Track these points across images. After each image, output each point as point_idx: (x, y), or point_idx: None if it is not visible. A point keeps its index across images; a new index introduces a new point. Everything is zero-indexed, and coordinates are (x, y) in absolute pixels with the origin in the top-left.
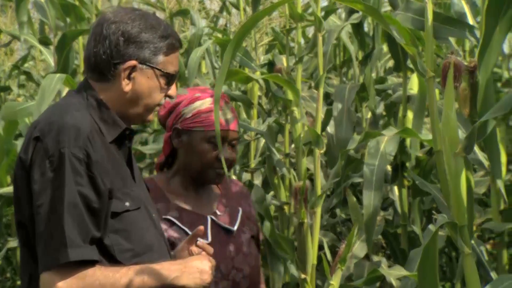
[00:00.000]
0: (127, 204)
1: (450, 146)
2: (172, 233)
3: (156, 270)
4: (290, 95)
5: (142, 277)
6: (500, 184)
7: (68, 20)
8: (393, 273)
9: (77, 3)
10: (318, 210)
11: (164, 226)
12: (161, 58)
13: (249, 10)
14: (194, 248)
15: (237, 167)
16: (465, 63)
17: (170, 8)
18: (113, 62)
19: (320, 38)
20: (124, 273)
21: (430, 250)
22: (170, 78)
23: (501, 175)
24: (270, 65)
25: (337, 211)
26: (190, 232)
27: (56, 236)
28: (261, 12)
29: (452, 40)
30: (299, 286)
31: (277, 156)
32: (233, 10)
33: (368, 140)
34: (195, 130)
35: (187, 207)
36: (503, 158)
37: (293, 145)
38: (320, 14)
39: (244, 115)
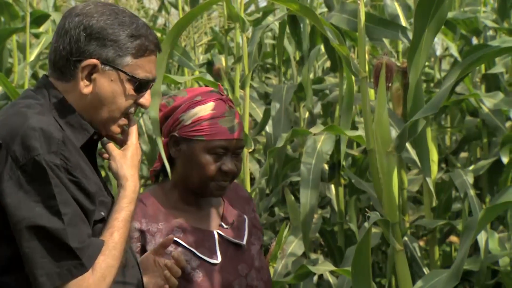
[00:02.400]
0: (102, 213)
1: (382, 145)
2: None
3: (123, 212)
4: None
5: (117, 228)
6: (429, 182)
7: (1, 18)
8: (321, 268)
9: (10, 1)
10: None
11: (169, 248)
12: (128, 60)
13: (187, 9)
14: (165, 261)
15: None
16: (398, 64)
17: None
18: (73, 59)
19: (244, 39)
20: (108, 236)
21: (363, 247)
22: (140, 85)
23: (430, 174)
24: (209, 65)
25: (276, 209)
26: (198, 253)
27: (59, 254)
28: (196, 9)
29: (386, 41)
30: None
31: None
32: (172, 10)
33: (300, 138)
34: (195, 139)
35: (190, 224)
36: (435, 157)
37: None
38: (259, 14)
39: None
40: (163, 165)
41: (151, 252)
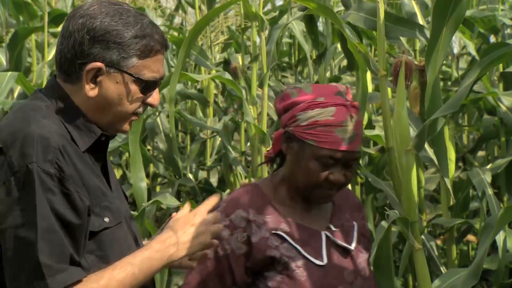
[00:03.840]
0: (106, 220)
1: (401, 143)
2: (284, 251)
3: (146, 256)
4: (248, 94)
5: (131, 271)
6: (447, 181)
7: (20, 17)
8: None
9: (29, 0)
10: None
11: (274, 242)
12: (134, 61)
13: (204, 8)
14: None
15: (193, 165)
16: (416, 63)
17: None
18: (77, 62)
19: (263, 37)
20: (109, 277)
21: (384, 245)
22: (146, 85)
23: (448, 172)
24: (226, 64)
25: None
26: (303, 252)
27: (28, 267)
28: (214, 10)
29: (403, 39)
30: None
31: (233, 154)
32: (189, 9)
33: None
34: (307, 142)
35: (297, 220)
36: (452, 155)
37: (249, 143)
38: (275, 12)
39: (200, 114)
40: (276, 154)
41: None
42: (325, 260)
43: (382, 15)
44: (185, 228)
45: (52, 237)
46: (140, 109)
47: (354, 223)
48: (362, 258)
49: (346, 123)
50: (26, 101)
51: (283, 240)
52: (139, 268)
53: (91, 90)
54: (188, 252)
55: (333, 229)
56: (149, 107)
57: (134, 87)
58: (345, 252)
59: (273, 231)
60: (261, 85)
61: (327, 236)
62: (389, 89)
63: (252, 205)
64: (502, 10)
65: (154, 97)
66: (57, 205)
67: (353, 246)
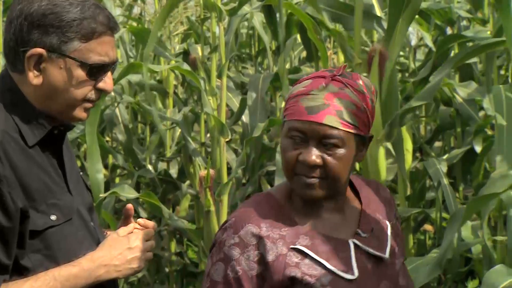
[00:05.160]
0: (53, 218)
1: (373, 133)
2: (306, 269)
3: (72, 274)
4: (206, 85)
5: (54, 286)
6: (403, 171)
7: None
8: None
9: None
10: (225, 198)
11: (294, 259)
12: (76, 45)
13: None
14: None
15: (153, 157)
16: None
17: None
18: (20, 50)
19: (221, 28)
20: (21, 282)
21: None
22: (93, 69)
23: (405, 163)
24: (186, 54)
25: None
26: (329, 266)
27: None
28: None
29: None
30: None
31: (193, 145)
32: None
33: (277, 128)
34: (284, 120)
35: (319, 230)
36: (409, 146)
37: (208, 134)
38: (235, 3)
39: (160, 105)
40: None
41: (119, 226)
42: (356, 273)
43: (357, 3)
44: (121, 251)
45: None
46: (93, 95)
47: (387, 223)
48: (398, 264)
49: (314, 92)
50: None
51: (304, 255)
52: (62, 284)
53: (35, 78)
54: (117, 275)
55: (363, 235)
56: (107, 96)
57: (79, 72)
58: (379, 260)
59: (291, 246)
60: (219, 76)
61: (356, 245)
62: None
63: (264, 217)
64: (458, 2)
65: (107, 82)
66: None
67: (387, 252)
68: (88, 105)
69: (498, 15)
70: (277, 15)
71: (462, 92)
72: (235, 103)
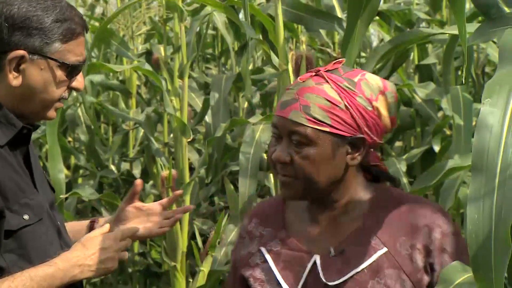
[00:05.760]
0: (25, 217)
1: None
2: (258, 273)
3: (48, 274)
4: (169, 85)
5: (30, 286)
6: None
7: None
8: None
9: None
10: (187, 198)
11: (257, 260)
12: (57, 46)
13: None
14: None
15: (116, 157)
16: (334, 55)
17: None
18: None
19: (183, 28)
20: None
21: None
22: (71, 69)
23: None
24: (148, 55)
25: (216, 199)
26: (278, 277)
27: None
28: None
29: (322, 32)
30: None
31: (156, 145)
32: None
33: (240, 128)
34: None
35: (296, 237)
36: None
37: (172, 135)
38: (198, 4)
39: (122, 105)
40: None
41: (124, 204)
42: None
43: (279, 9)
44: (94, 251)
45: None
46: (66, 95)
47: (384, 249)
48: None
49: (291, 87)
50: None
51: (265, 261)
52: (38, 284)
53: (14, 79)
54: (91, 275)
55: (331, 253)
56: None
57: (59, 72)
58: (326, 286)
59: (260, 247)
60: (181, 76)
61: (315, 262)
62: None
63: (260, 214)
64: (417, 4)
65: (79, 81)
66: None
67: (336, 282)
68: (60, 104)
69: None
70: (239, 15)
71: (421, 92)
72: (198, 104)
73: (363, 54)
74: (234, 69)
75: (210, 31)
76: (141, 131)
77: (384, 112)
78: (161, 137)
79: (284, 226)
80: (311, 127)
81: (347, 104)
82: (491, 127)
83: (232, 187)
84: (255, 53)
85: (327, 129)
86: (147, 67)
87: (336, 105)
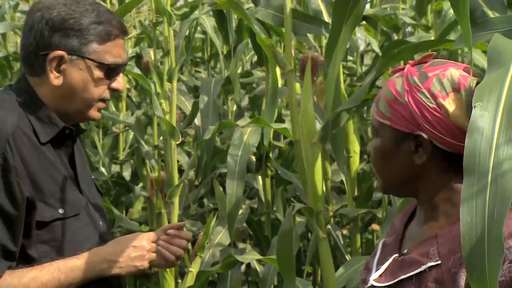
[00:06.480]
0: (60, 211)
1: (307, 136)
2: (369, 263)
3: (76, 266)
4: (158, 88)
5: (57, 276)
6: (344, 175)
7: None
8: (247, 257)
9: None
10: (176, 200)
11: (377, 250)
12: (94, 47)
13: (115, 2)
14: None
15: (106, 159)
16: (322, 58)
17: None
18: (41, 53)
19: (171, 32)
20: (34, 277)
21: (286, 234)
22: (108, 70)
23: (343, 165)
24: (138, 58)
25: (205, 200)
26: (373, 268)
27: None
28: (128, 4)
29: (310, 36)
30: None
31: (146, 148)
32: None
33: (228, 131)
34: None
35: (400, 233)
36: (357, 148)
37: (161, 137)
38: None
39: (113, 108)
40: None
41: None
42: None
43: (288, 11)
44: (125, 248)
45: None
46: (107, 95)
47: (438, 261)
48: None
49: None
50: None
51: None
52: (66, 275)
53: (56, 79)
54: (119, 271)
55: (404, 253)
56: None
57: (97, 72)
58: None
59: (384, 239)
60: (170, 79)
61: (392, 260)
62: (297, 84)
63: (404, 211)
64: (403, 9)
65: (119, 82)
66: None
67: (386, 283)
68: (102, 104)
69: (440, 21)
70: (228, 19)
71: None
72: (188, 107)
73: (350, 57)
74: (223, 73)
75: (199, 35)
76: (131, 134)
77: (455, 111)
78: (151, 140)
79: (409, 221)
80: (377, 119)
81: (406, 100)
82: (482, 129)
83: (221, 189)
84: (243, 56)
85: (388, 123)
86: (137, 70)
87: (398, 99)
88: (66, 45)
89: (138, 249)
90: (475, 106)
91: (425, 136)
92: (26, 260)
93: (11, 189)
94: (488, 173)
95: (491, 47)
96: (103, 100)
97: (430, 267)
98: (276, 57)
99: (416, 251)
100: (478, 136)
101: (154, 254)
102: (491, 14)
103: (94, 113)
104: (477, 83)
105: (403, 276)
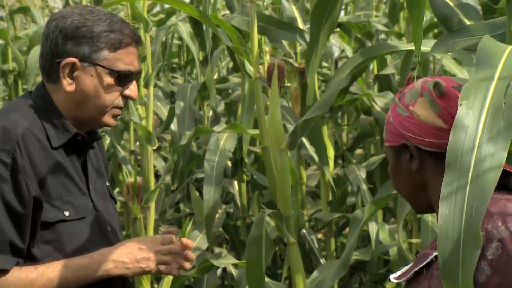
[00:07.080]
0: (66, 213)
1: (276, 142)
2: None
3: (83, 264)
4: None
5: (64, 274)
6: (329, 175)
7: None
8: (223, 261)
9: None
10: (152, 205)
11: None
12: (105, 54)
13: None
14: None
15: None
16: (296, 65)
17: (10, 5)
18: (56, 61)
19: (148, 38)
20: (41, 273)
21: (256, 239)
22: (121, 77)
23: (329, 167)
24: None
25: (181, 205)
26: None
27: None
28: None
29: (284, 42)
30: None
31: (122, 153)
32: None
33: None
34: None
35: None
36: (331, 153)
37: (138, 143)
38: (164, 14)
39: None
40: None
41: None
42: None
43: (254, 18)
44: (132, 249)
45: None
46: (120, 102)
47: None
48: None
49: None
50: (14, 99)
51: None
52: (72, 273)
53: (69, 86)
54: (126, 272)
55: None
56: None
57: (109, 79)
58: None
59: None
60: (147, 85)
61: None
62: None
63: None
64: (376, 16)
65: (132, 90)
66: (5, 192)
67: (402, 278)
68: (117, 111)
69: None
70: (204, 26)
71: (380, 102)
72: (164, 112)
73: (325, 64)
74: (199, 78)
75: (175, 41)
76: (108, 139)
77: (423, 112)
78: (127, 145)
79: None
80: (384, 146)
81: (391, 116)
82: (466, 127)
83: (197, 194)
84: (219, 62)
85: (387, 144)
86: None
87: (388, 120)
88: (78, 52)
89: (144, 251)
90: (461, 104)
91: (410, 143)
92: (28, 258)
93: (19, 188)
94: (469, 170)
95: (480, 48)
96: (117, 107)
97: (436, 256)
98: (243, 64)
99: (429, 246)
100: (462, 134)
101: (166, 258)
102: (467, 22)
103: (108, 119)
104: (435, 85)
105: (416, 269)
